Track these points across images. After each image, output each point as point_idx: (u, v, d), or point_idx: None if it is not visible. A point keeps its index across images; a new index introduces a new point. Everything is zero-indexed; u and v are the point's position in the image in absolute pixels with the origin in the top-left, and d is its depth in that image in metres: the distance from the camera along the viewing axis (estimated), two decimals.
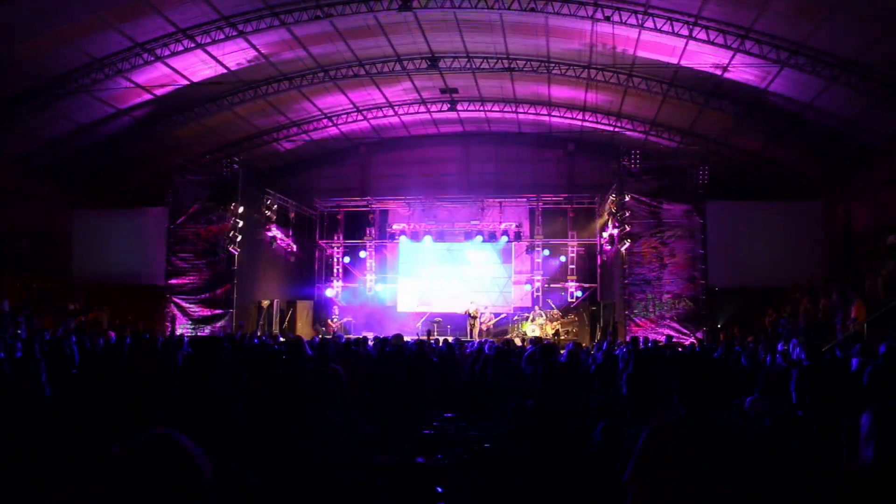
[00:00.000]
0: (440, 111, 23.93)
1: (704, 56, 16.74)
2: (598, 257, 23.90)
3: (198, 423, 3.66)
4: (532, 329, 21.05)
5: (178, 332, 17.77)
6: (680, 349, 13.49)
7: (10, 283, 18.60)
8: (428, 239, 24.54)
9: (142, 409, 6.96)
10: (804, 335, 13.96)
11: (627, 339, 15.27)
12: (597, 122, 23.11)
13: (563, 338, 21.01)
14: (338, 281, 25.83)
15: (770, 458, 2.61)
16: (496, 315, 23.15)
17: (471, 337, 20.40)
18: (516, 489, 4.37)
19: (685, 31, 15.50)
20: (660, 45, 16.78)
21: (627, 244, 18.07)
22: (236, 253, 19.52)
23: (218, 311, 19.42)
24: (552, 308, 22.78)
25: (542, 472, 4.28)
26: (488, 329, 22.23)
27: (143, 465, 1.31)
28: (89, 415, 4.01)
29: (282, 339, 15.26)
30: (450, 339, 15.19)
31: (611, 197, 20.21)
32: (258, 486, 4.10)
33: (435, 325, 22.44)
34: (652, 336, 16.04)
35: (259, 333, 18.32)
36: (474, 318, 21.92)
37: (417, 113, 24.16)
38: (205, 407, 3.80)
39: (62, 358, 8.88)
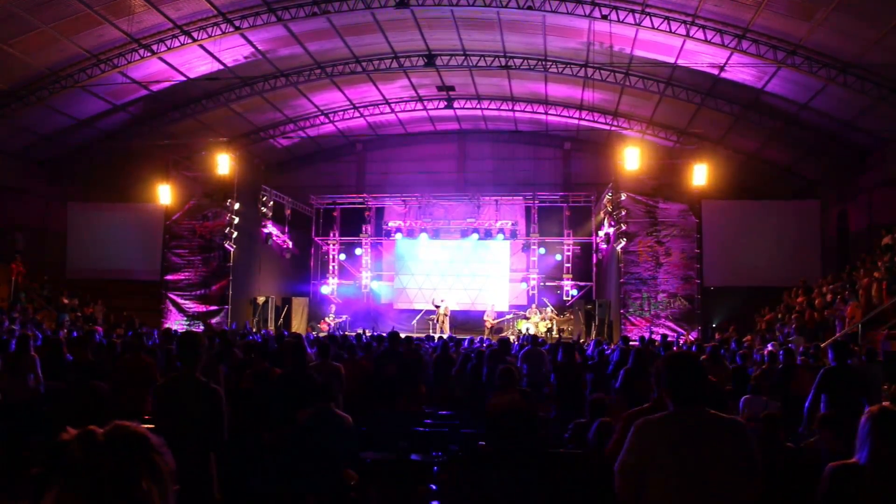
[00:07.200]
0: (437, 109, 23.89)
1: (701, 55, 16.76)
2: (594, 256, 23.94)
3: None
4: (527, 327, 21.07)
5: (174, 328, 17.70)
6: (675, 347, 13.52)
7: (4, 278, 18.54)
8: (424, 236, 24.52)
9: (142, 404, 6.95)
10: (803, 334, 14.03)
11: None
12: (594, 121, 23.11)
13: (557, 336, 21.04)
14: (334, 278, 25.81)
15: (757, 454, 2.64)
16: (499, 315, 23.17)
17: (436, 332, 20.68)
18: (510, 483, 4.38)
19: (682, 30, 15.51)
20: (657, 43, 16.79)
21: (623, 243, 18.10)
22: (232, 249, 19.48)
23: (213, 308, 19.40)
24: (548, 306, 22.78)
25: (535, 466, 4.30)
26: (490, 327, 22.24)
27: (102, 456, 1.29)
28: (86, 410, 4.00)
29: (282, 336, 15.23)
30: (445, 336, 15.18)
31: (607, 195, 20.23)
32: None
33: (430, 323, 22.47)
34: (647, 335, 16.07)
35: (255, 330, 18.31)
36: (444, 314, 22.06)
37: (414, 110, 24.14)
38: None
39: (57, 354, 8.84)
